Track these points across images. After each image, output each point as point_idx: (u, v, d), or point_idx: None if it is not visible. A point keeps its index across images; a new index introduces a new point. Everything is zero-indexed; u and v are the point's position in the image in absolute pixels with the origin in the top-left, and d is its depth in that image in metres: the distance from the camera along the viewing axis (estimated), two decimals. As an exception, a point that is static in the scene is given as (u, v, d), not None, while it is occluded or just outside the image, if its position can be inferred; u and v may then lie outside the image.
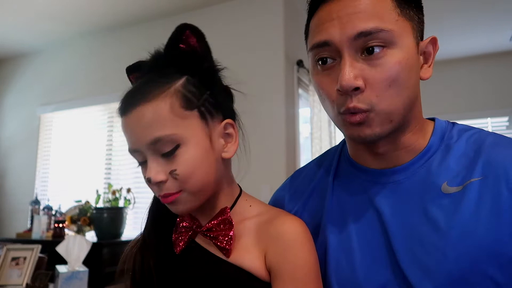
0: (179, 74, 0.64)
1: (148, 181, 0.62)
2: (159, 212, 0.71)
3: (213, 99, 0.65)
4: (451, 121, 0.72)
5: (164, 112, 0.61)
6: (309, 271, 0.63)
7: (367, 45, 0.59)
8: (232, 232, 0.64)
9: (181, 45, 0.64)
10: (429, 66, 0.66)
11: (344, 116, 0.62)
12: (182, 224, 0.68)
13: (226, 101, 0.69)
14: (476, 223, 0.57)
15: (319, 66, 0.64)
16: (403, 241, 0.62)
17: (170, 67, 0.65)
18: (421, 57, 0.65)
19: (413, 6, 0.64)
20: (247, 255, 0.63)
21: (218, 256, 0.64)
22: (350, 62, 0.60)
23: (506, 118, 3.81)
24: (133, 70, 0.73)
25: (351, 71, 0.59)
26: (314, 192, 0.77)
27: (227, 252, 0.64)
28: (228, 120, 0.67)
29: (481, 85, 3.86)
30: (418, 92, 0.66)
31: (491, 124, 3.87)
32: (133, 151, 0.64)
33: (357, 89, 0.59)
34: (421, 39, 0.66)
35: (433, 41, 0.66)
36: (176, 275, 0.66)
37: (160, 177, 0.61)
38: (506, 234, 0.56)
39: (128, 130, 0.63)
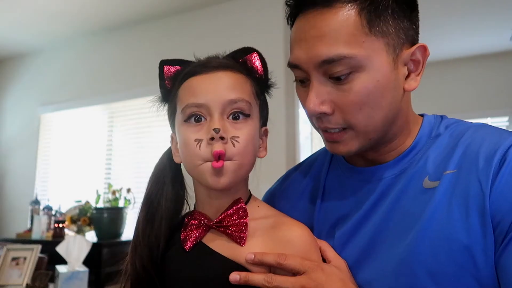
0: None
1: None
2: (152, 212, 0.71)
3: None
4: (439, 115, 0.71)
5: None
6: None
7: (332, 74, 0.59)
8: (247, 219, 0.65)
9: None
10: (418, 75, 0.64)
11: (321, 131, 0.65)
12: (191, 222, 0.68)
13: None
14: (448, 217, 0.57)
15: (298, 82, 0.67)
16: (387, 238, 0.62)
17: None
18: (406, 67, 0.62)
19: (388, 18, 0.59)
20: None
21: (223, 256, 0.64)
22: (316, 86, 0.60)
23: (506, 118, 3.81)
24: None
25: (316, 97, 0.60)
26: (304, 192, 0.78)
27: (241, 240, 0.63)
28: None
29: (481, 85, 3.85)
30: (398, 107, 0.63)
31: (491, 124, 3.87)
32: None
33: (324, 113, 0.61)
34: (412, 43, 0.63)
35: (422, 49, 0.62)
36: (181, 274, 0.65)
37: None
38: (476, 225, 0.55)
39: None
